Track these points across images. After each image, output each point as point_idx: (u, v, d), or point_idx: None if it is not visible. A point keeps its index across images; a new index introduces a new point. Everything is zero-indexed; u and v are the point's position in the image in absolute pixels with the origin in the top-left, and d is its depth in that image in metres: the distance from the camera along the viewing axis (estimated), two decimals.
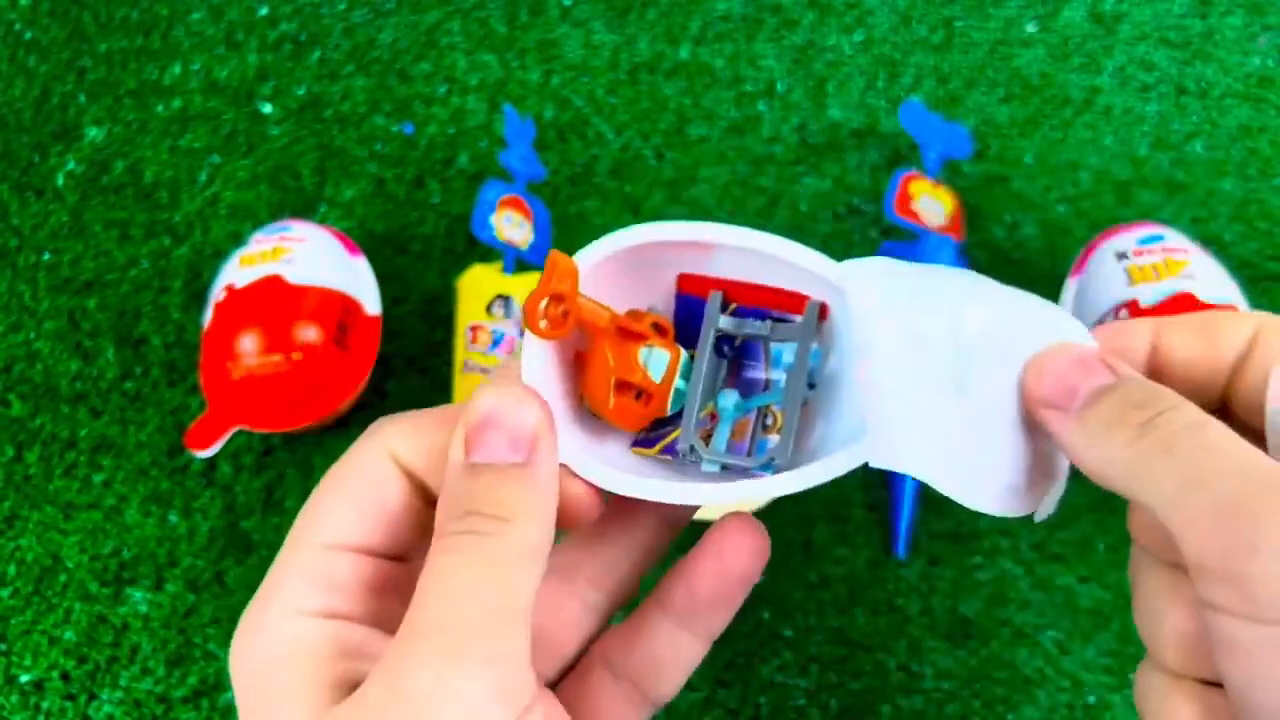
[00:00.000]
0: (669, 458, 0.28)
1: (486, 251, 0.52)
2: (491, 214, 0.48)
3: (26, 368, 0.51)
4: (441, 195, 0.54)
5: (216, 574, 0.46)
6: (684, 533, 0.29)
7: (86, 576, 0.46)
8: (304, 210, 0.54)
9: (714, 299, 0.29)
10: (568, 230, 0.52)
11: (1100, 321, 0.43)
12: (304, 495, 0.48)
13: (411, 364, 0.50)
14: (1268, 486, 0.21)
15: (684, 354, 0.28)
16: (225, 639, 0.44)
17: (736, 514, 0.27)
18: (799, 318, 0.28)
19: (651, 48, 0.57)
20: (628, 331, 0.27)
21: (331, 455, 0.48)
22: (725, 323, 0.29)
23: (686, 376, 0.28)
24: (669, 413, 0.28)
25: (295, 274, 0.45)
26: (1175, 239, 0.44)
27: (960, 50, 0.55)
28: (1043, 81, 0.54)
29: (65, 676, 0.45)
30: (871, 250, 0.51)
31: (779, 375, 0.28)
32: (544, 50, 0.57)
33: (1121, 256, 0.44)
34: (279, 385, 0.44)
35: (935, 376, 0.26)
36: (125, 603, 0.46)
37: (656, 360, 0.28)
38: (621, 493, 0.26)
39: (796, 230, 0.51)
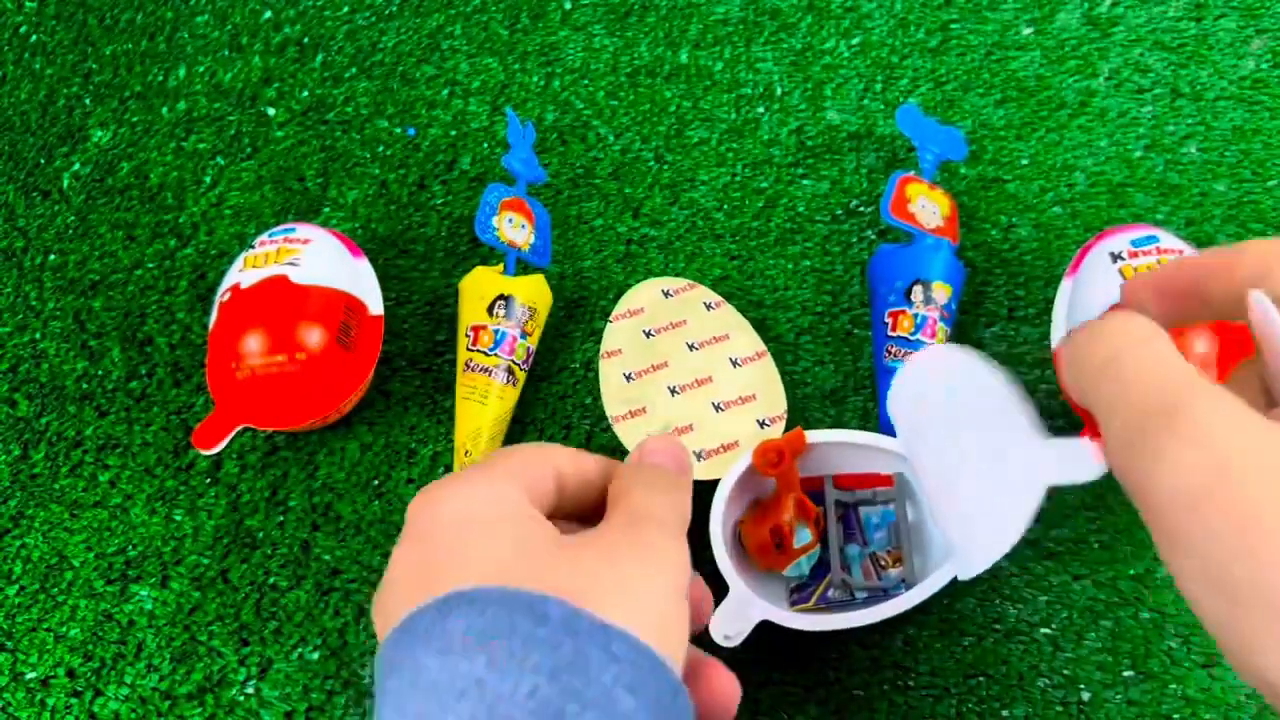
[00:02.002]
0: (823, 606, 0.41)
1: (488, 253, 0.52)
2: (493, 216, 0.48)
3: (33, 368, 0.51)
4: (444, 197, 0.54)
5: (221, 571, 0.46)
6: None
7: (92, 574, 0.47)
8: (308, 212, 0.54)
9: (828, 480, 0.43)
10: (568, 231, 0.53)
11: None
12: (307, 493, 0.48)
13: (414, 364, 0.50)
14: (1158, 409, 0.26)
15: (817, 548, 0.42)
16: (230, 636, 0.45)
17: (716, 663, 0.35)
18: (879, 490, 0.43)
19: (651, 52, 0.57)
20: (804, 505, 0.42)
21: (335, 453, 0.48)
22: (840, 495, 0.43)
23: (810, 562, 0.42)
24: (785, 572, 0.42)
25: (299, 275, 0.46)
26: (1169, 240, 0.45)
27: (956, 54, 0.56)
28: (1038, 85, 0.55)
29: (71, 673, 0.45)
30: (869, 250, 0.51)
31: (873, 534, 0.43)
32: (545, 54, 0.58)
33: (1116, 258, 0.45)
34: (283, 384, 0.45)
35: (964, 476, 0.35)
36: (131, 600, 0.46)
37: (802, 535, 0.41)
38: (811, 629, 0.39)
39: (795, 231, 0.52)
